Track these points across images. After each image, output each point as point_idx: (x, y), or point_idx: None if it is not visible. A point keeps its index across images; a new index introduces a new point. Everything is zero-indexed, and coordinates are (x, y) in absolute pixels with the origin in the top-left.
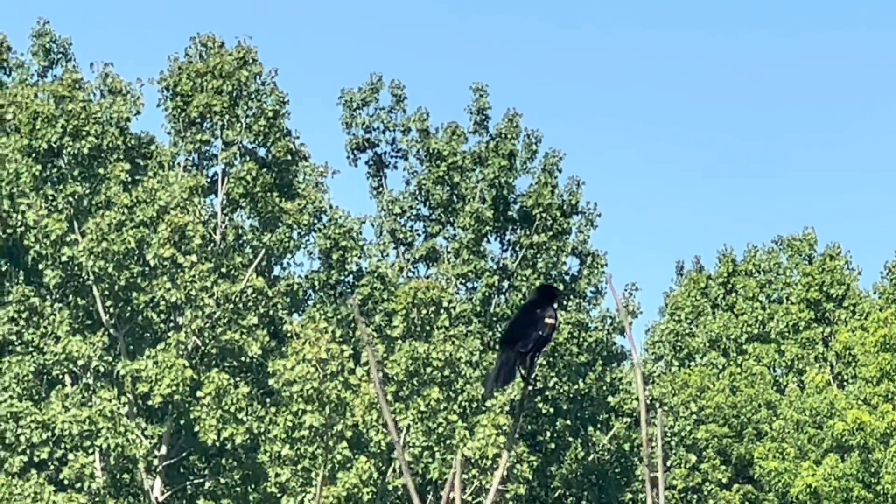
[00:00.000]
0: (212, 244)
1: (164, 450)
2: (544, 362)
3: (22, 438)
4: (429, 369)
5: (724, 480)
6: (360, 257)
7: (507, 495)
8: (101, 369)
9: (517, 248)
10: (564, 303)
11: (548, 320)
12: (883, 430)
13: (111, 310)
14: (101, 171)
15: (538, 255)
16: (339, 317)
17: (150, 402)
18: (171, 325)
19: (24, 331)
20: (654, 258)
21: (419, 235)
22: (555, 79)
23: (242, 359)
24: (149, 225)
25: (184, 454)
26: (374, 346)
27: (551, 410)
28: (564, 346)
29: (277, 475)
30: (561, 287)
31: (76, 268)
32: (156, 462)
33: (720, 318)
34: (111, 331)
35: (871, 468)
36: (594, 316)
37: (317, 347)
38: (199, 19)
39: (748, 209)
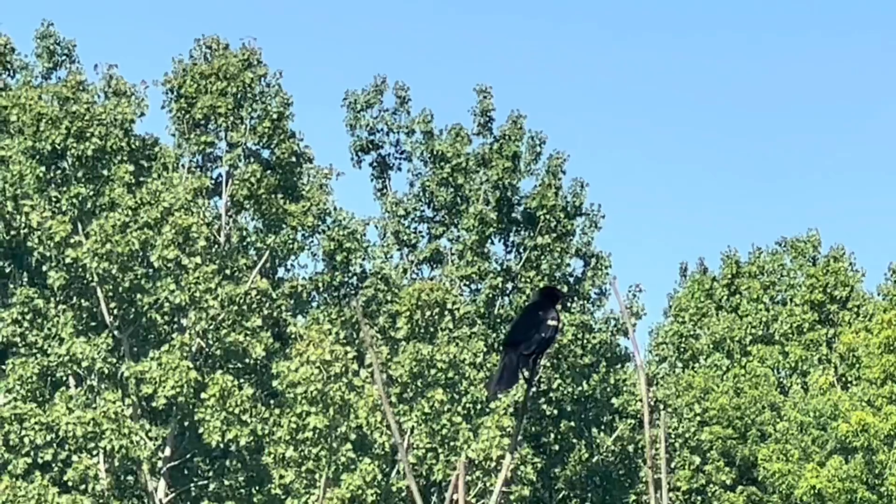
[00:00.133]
0: (216, 246)
1: (168, 451)
2: (548, 364)
3: (26, 440)
4: (433, 371)
5: (728, 482)
6: (364, 259)
7: (511, 497)
8: (105, 371)
9: (521, 250)
10: (568, 304)
11: (550, 322)
12: (887, 432)
13: (115, 311)
14: (105, 172)
15: (542, 257)
16: (343, 318)
17: (154, 404)
18: (175, 326)
19: (27, 332)
20: (657, 260)
21: (423, 237)
22: (558, 80)
23: (246, 360)
24: (153, 226)
25: (188, 456)
26: (378, 347)
27: (555, 412)
28: (568, 348)
29: (281, 477)
30: (565, 289)
31: (80, 269)
32: (160, 464)
33: (724, 319)
34: (115, 332)
35: (874, 470)
36: (598, 317)
37: (321, 349)
38: (204, 21)
39: (752, 211)
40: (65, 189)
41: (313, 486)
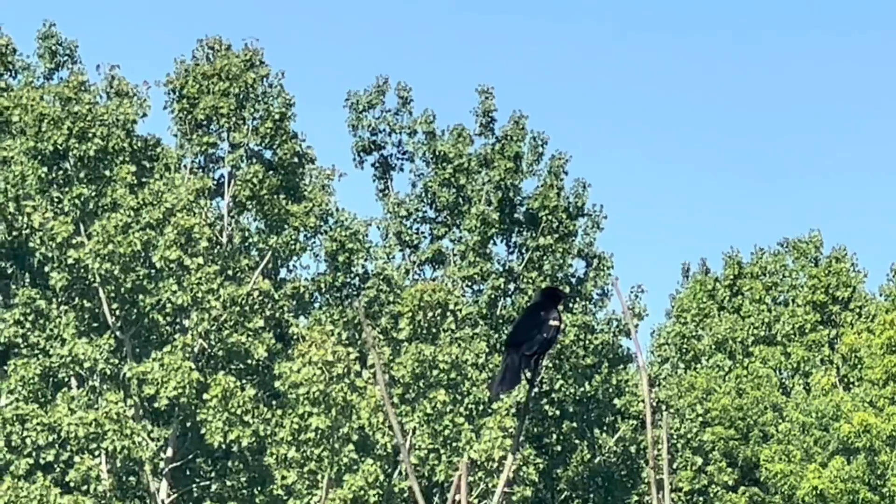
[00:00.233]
0: (218, 246)
1: (170, 452)
2: (550, 365)
3: (28, 441)
4: (435, 372)
5: (731, 483)
6: (366, 260)
7: (513, 498)
8: (108, 372)
9: (523, 251)
10: (570, 305)
11: (552, 322)
12: (889, 433)
13: (117, 312)
14: (108, 173)
15: (544, 258)
16: (345, 319)
17: (156, 405)
18: (178, 327)
19: (30, 333)
20: (659, 260)
21: (425, 238)
22: (560, 81)
23: (249, 361)
24: (155, 227)
25: (190, 457)
26: (380, 348)
27: (557, 413)
28: (570, 349)
29: (284, 478)
30: (566, 289)
31: (82, 270)
32: (162, 464)
33: (726, 320)
34: (117, 333)
35: (877, 470)
36: (600, 318)
37: (323, 350)
38: (206, 22)
39: (754, 211)
40: (67, 190)
41: (315, 486)
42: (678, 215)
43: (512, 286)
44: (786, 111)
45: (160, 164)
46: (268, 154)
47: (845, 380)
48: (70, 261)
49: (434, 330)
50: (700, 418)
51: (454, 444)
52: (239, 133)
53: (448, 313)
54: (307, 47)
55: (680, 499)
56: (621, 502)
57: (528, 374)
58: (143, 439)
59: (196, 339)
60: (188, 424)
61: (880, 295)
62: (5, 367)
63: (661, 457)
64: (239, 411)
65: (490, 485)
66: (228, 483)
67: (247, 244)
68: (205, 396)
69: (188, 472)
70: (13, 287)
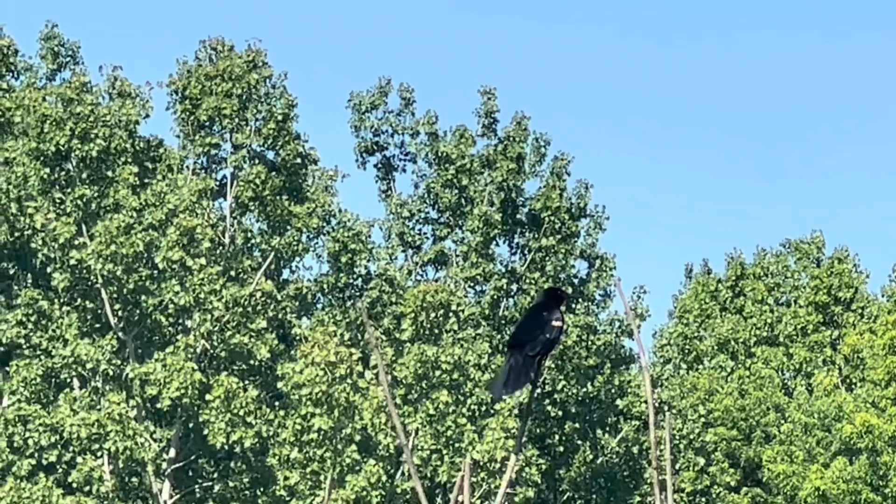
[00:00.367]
0: (220, 247)
1: (172, 453)
2: (553, 365)
3: (30, 442)
4: (437, 372)
5: (733, 483)
6: (368, 261)
7: (516, 498)
8: (110, 372)
9: (526, 252)
10: (573, 306)
11: (555, 323)
12: (891, 434)
13: (120, 313)
14: (110, 174)
15: (547, 259)
16: (347, 320)
17: (158, 406)
18: (180, 328)
19: (32, 334)
20: (662, 261)
21: (428, 239)
22: (563, 82)
23: (251, 362)
24: (157, 228)
25: (192, 457)
26: (383, 349)
27: (560, 414)
28: (573, 350)
29: (286, 479)
30: (569, 290)
31: (84, 271)
32: (164, 465)
33: (728, 321)
34: (120, 334)
35: (879, 471)
36: (602, 319)
37: (325, 351)
38: (209, 22)
39: (756, 212)
40: (69, 190)
41: (318, 487)
42: (680, 216)
43: (514, 287)
44: (788, 112)
45: (163, 165)
46: (270, 155)
47: (847, 380)
48: (72, 261)
49: (436, 331)
50: (702, 419)
51: (457, 445)
52: (241, 134)
53: (450, 314)
54: (310, 48)
55: (682, 499)
56: (624, 503)
57: (531, 375)
58: (146, 440)
59: (198, 339)
60: (191, 425)
61: (882, 296)
62: (7, 368)
63: (663, 457)
64: (241, 412)
65: (493, 485)
66: (231, 484)
67: (249, 245)
68: (207, 397)
69: (191, 473)
70: (15, 288)
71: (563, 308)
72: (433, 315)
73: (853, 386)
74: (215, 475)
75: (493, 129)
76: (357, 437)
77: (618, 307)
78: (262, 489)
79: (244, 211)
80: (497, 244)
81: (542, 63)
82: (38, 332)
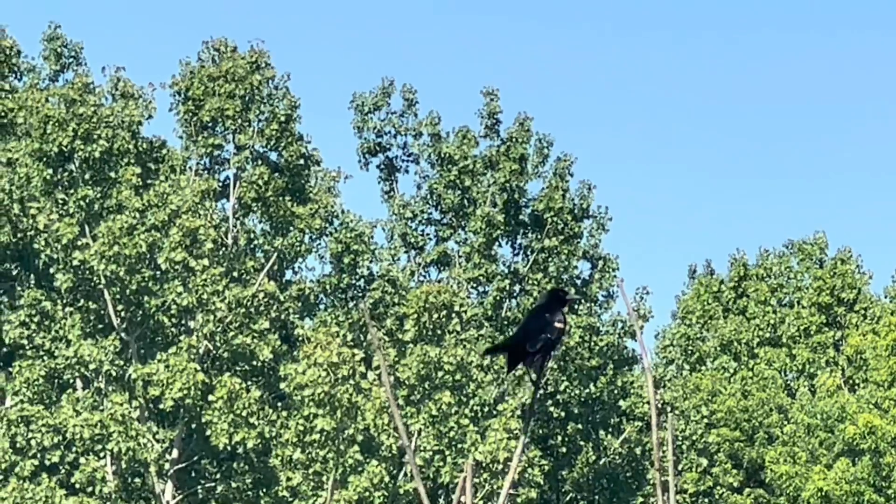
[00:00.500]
0: (223, 248)
1: (175, 454)
2: (555, 366)
3: (33, 442)
4: (440, 373)
5: (736, 484)
6: (371, 261)
7: (519, 499)
8: (113, 373)
9: (528, 252)
10: (577, 307)
11: (556, 324)
12: (894, 434)
13: (122, 314)
14: (113, 175)
15: (549, 259)
16: (350, 321)
17: (161, 406)
18: (183, 329)
19: (35, 335)
20: (664, 262)
21: (430, 239)
22: (566, 83)
23: (254, 363)
24: (160, 229)
25: (195, 458)
26: (386, 350)
27: (562, 414)
28: (576, 350)
29: (289, 479)
30: (572, 291)
31: (87, 272)
32: (167, 466)
33: (731, 322)
34: (122, 335)
35: (882, 472)
36: (605, 320)
37: (328, 351)
38: (212, 23)
39: (759, 213)
40: (72, 191)
41: (320, 488)
42: (683, 217)
43: (517, 288)
44: (790, 112)
45: (165, 166)
46: (273, 156)
47: (850, 381)
48: (75, 262)
49: (439, 331)
50: (705, 420)
51: (459, 446)
52: (244, 135)
53: (453, 315)
54: (313, 49)
55: (685, 500)
56: None
57: (534, 376)
58: (149, 441)
59: (201, 340)
60: (193, 426)
61: (885, 297)
62: (11, 369)
63: (666, 458)
64: (244, 413)
65: (495, 486)
66: (234, 484)
67: (252, 246)
68: (210, 398)
69: (193, 474)
70: (18, 288)
71: (565, 310)
72: (436, 316)
73: (856, 387)
74: (218, 476)
75: (495, 130)
76: (359, 438)
77: (620, 308)
78: (264, 490)
79: (247, 212)
80: (500, 245)
81: (544, 64)
82: (41, 332)
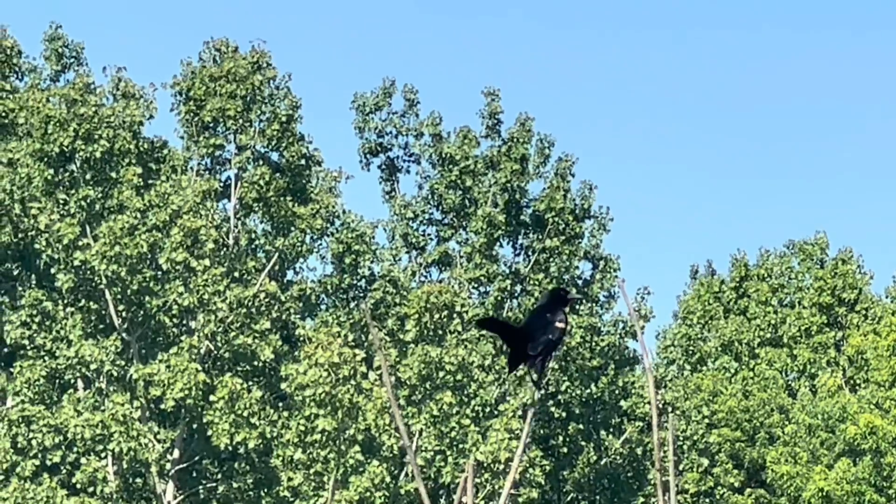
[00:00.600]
0: (224, 248)
1: (176, 454)
2: (556, 366)
3: (34, 442)
4: (441, 373)
5: (737, 484)
6: (372, 262)
7: (520, 499)
8: (114, 373)
9: (530, 253)
10: (578, 307)
11: (558, 324)
12: (895, 435)
13: (124, 314)
14: (114, 175)
15: (551, 260)
16: (351, 321)
17: (162, 407)
18: (184, 329)
19: (36, 335)
20: (665, 262)
21: (431, 240)
22: (567, 83)
23: (255, 363)
24: (161, 229)
25: (196, 458)
26: (387, 350)
27: (563, 415)
28: (577, 351)
29: (290, 479)
30: (574, 291)
31: (88, 272)
32: (168, 466)
33: (732, 322)
34: (124, 335)
35: (883, 472)
36: (606, 320)
37: (329, 352)
38: (213, 23)
39: (760, 213)
40: (73, 191)
41: (321, 488)
42: (684, 217)
43: (518, 288)
44: (791, 113)
45: (166, 166)
46: (274, 156)
47: (851, 381)
48: (76, 262)
49: (440, 332)
50: (706, 420)
51: (460, 446)
52: (245, 135)
53: (454, 315)
54: (314, 49)
55: (686, 501)
56: None
57: (535, 377)
58: (150, 441)
59: (202, 340)
60: (195, 426)
61: (886, 297)
62: (12, 369)
63: (667, 459)
64: (245, 413)
65: (496, 486)
66: (235, 485)
67: (253, 246)
68: (211, 398)
69: (194, 474)
70: (20, 289)
71: (567, 310)
72: (437, 316)
73: (857, 387)
74: (219, 476)
75: (496, 131)
76: (360, 438)
77: (621, 308)
78: (265, 490)
79: (248, 212)
80: (501, 245)
81: (545, 64)
82: (41, 332)
